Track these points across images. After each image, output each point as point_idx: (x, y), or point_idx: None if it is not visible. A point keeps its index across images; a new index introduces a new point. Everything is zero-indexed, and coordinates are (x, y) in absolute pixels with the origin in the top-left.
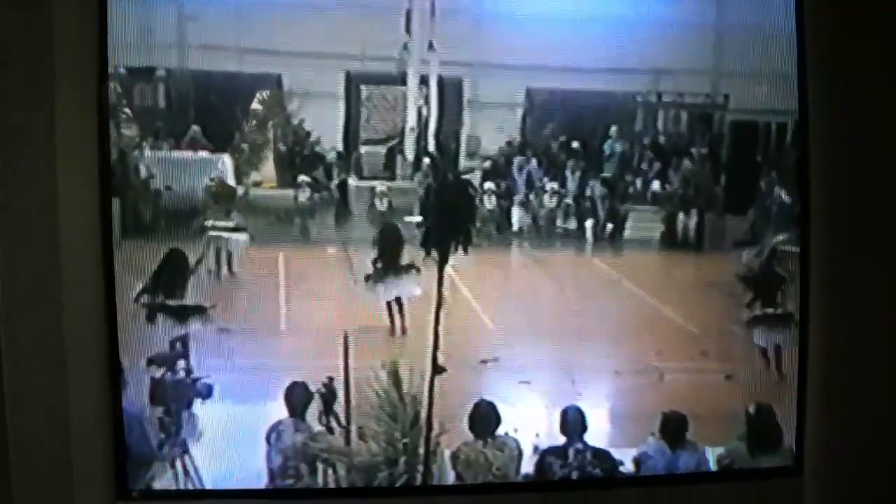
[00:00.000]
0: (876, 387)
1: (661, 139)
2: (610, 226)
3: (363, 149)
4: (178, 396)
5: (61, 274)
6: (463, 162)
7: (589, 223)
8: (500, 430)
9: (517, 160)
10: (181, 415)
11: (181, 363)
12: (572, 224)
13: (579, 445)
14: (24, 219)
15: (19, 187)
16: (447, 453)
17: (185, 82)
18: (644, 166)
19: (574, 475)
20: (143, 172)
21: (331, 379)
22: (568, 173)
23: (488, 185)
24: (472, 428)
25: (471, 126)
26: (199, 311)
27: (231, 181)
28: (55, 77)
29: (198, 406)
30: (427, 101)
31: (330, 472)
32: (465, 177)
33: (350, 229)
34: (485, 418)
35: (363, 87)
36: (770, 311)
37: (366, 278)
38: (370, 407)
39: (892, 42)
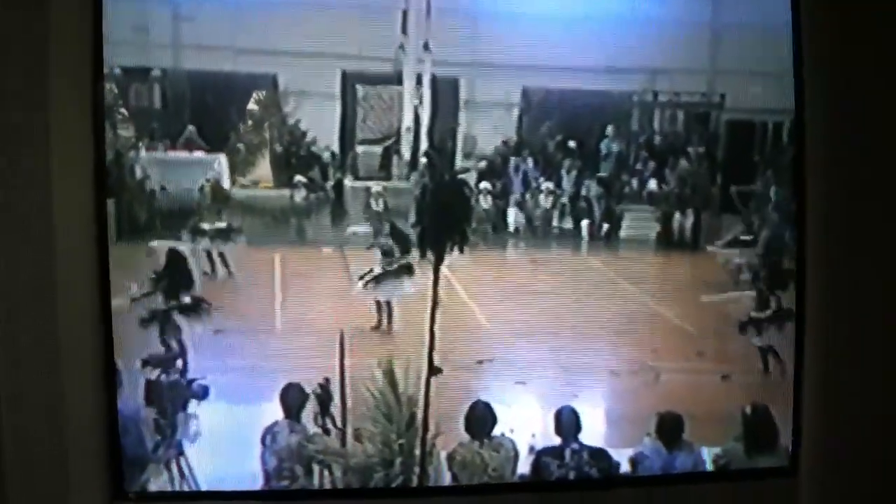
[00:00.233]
0: (872, 387)
1: (658, 139)
2: (606, 225)
3: (359, 149)
4: (173, 398)
5: (57, 275)
6: (459, 162)
7: (585, 223)
8: (497, 431)
9: (513, 160)
10: (177, 416)
11: (177, 364)
12: (568, 224)
13: (576, 445)
14: (21, 220)
15: (15, 188)
16: (443, 454)
17: (180, 82)
18: (640, 166)
19: (571, 475)
20: (138, 173)
21: (327, 380)
22: (563, 173)
23: (484, 184)
24: (468, 429)
25: (467, 126)
26: (194, 311)
27: (227, 182)
28: (51, 77)
29: (193, 407)
30: (423, 101)
31: (326, 473)
32: (461, 177)
33: (346, 229)
34: (481, 419)
35: (359, 87)
36: (766, 311)
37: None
38: (366, 408)
39: (888, 41)
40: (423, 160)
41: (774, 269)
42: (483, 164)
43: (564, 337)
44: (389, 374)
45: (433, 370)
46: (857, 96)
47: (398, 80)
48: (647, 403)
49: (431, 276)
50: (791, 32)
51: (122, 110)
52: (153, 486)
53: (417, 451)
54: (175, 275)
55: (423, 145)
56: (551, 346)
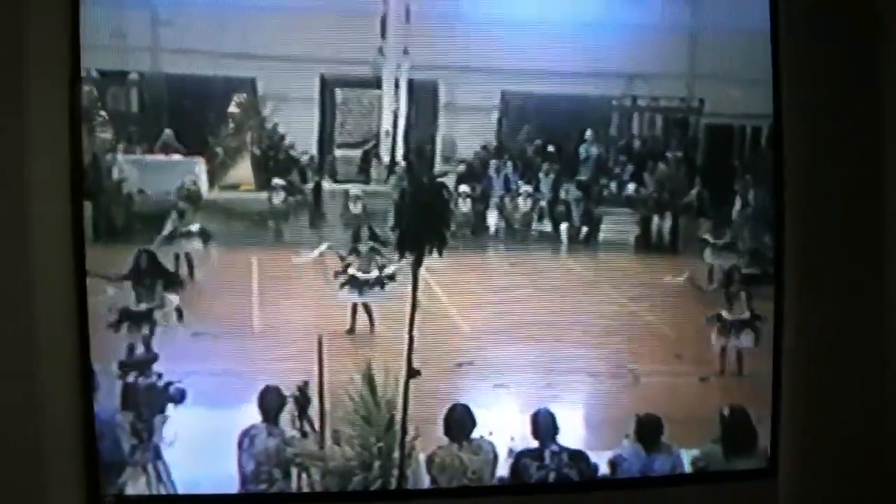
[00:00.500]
0: (850, 388)
1: (636, 143)
2: (585, 229)
3: (338, 152)
4: (150, 401)
5: (34, 277)
6: (438, 165)
7: (564, 226)
8: (476, 434)
9: (493, 163)
10: (154, 420)
11: (153, 368)
12: (547, 227)
13: (555, 448)
14: None
15: None
16: (422, 457)
17: (158, 86)
18: (619, 169)
19: (551, 477)
20: (116, 176)
21: (305, 383)
22: (542, 176)
23: (463, 188)
24: (447, 431)
25: (446, 129)
26: (170, 314)
27: (204, 185)
28: (29, 80)
29: (171, 411)
30: (402, 105)
31: (304, 476)
32: (440, 180)
33: (324, 232)
34: (460, 422)
35: (338, 91)
36: (743, 313)
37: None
38: (345, 411)
39: (864, 47)
40: (403, 163)
41: (752, 272)
42: (462, 167)
43: (544, 340)
44: (368, 377)
45: (412, 373)
46: (835, 100)
47: (377, 84)
48: (626, 406)
49: (410, 280)
50: (770, 37)
51: (102, 113)
52: (130, 490)
53: (396, 454)
54: (150, 277)
55: (402, 149)
56: (531, 349)
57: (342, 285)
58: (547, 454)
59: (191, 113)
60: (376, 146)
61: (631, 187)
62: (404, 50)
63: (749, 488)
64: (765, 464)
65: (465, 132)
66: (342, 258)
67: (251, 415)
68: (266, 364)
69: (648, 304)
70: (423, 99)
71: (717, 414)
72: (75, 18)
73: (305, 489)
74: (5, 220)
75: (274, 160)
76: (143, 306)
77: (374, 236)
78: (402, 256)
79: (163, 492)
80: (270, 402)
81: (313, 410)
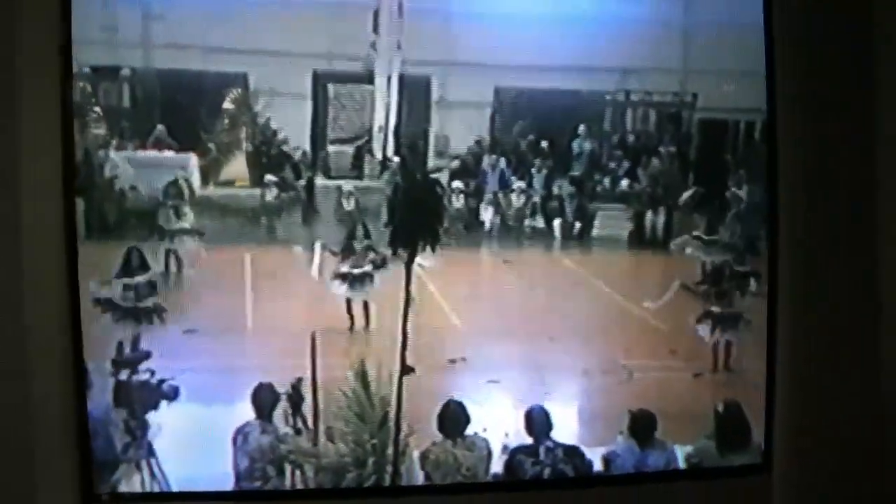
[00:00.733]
0: (843, 383)
1: (630, 138)
2: (578, 224)
3: (330, 148)
4: (143, 399)
5: (25, 274)
6: (431, 161)
7: (557, 222)
8: (470, 430)
9: (486, 159)
10: (147, 417)
11: (146, 365)
12: (540, 223)
13: (549, 444)
14: None
15: None
16: (416, 454)
17: (150, 82)
18: (613, 165)
19: (546, 473)
20: (107, 172)
21: (298, 380)
22: (535, 171)
23: (456, 184)
24: (441, 428)
25: (439, 125)
26: (163, 311)
27: (197, 181)
28: (21, 77)
29: (164, 408)
30: (395, 100)
31: (298, 473)
32: (433, 176)
33: (317, 229)
34: (454, 418)
35: (330, 86)
36: (735, 309)
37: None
38: (338, 408)
39: (859, 40)
40: (395, 159)
41: (745, 268)
42: (455, 163)
43: (537, 336)
44: (362, 374)
45: (406, 370)
46: (829, 95)
47: (370, 79)
48: (620, 402)
49: (404, 276)
50: (763, 32)
51: (94, 109)
52: (124, 488)
53: (390, 451)
54: (141, 273)
55: (395, 145)
56: (524, 345)
57: (337, 281)
58: (542, 450)
59: (183, 109)
60: (369, 142)
61: (624, 183)
62: (397, 45)
63: (743, 484)
64: (759, 459)
65: (458, 128)
66: (335, 254)
67: (245, 412)
68: (259, 361)
69: (642, 300)
70: (415, 94)
71: (710, 409)
72: (66, 14)
73: (299, 486)
74: None
75: (266, 156)
76: (133, 304)
77: (367, 234)
78: (395, 253)
79: (157, 489)
80: (264, 399)
81: (307, 407)
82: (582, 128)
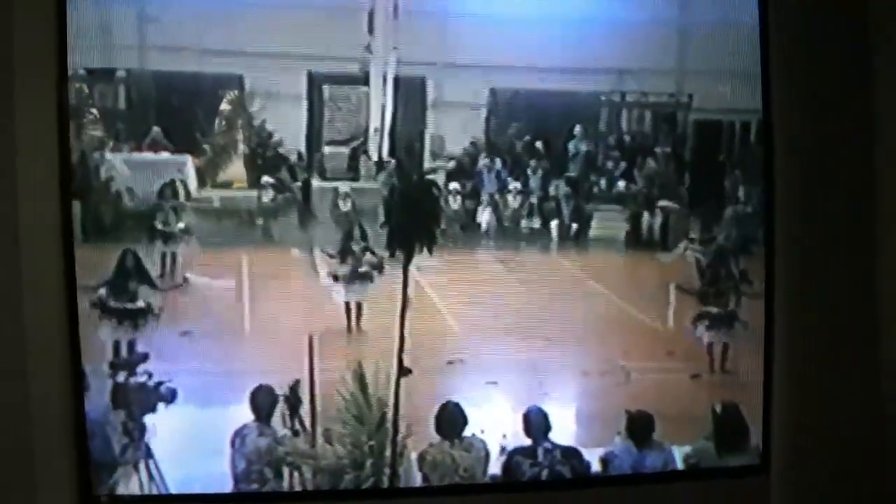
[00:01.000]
0: (842, 384)
1: (626, 139)
2: (575, 225)
3: (326, 149)
4: (141, 401)
5: (23, 277)
6: (427, 162)
7: (554, 223)
8: (467, 432)
9: (482, 160)
10: (145, 419)
11: (144, 367)
12: (537, 224)
13: (548, 445)
14: None
15: None
16: (414, 455)
17: (145, 83)
18: (609, 165)
19: (544, 474)
20: (103, 174)
21: (296, 382)
22: (531, 173)
23: (453, 185)
24: (438, 429)
25: (435, 126)
26: (160, 313)
27: (193, 183)
28: (15, 79)
29: (162, 410)
30: (390, 102)
31: (296, 475)
32: (429, 177)
33: (314, 231)
34: (451, 419)
35: (326, 88)
36: (733, 309)
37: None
38: (336, 410)
39: (855, 40)
40: (391, 161)
41: (742, 268)
42: (451, 164)
43: (535, 337)
44: (359, 376)
45: (403, 371)
46: (825, 95)
47: (365, 80)
48: (618, 403)
49: (401, 278)
50: (759, 32)
51: (90, 111)
52: (122, 489)
53: (388, 453)
54: (136, 277)
55: (391, 146)
56: (521, 347)
57: (334, 283)
58: (540, 451)
59: (179, 110)
60: (365, 143)
61: (620, 184)
62: (392, 46)
63: (741, 485)
64: (757, 460)
65: (454, 129)
66: (333, 257)
67: (242, 414)
68: (257, 363)
69: (639, 301)
70: (411, 95)
71: (708, 410)
72: (62, 16)
73: (297, 488)
74: None
75: (262, 158)
76: (129, 306)
77: (364, 235)
78: (392, 254)
79: (155, 491)
80: (263, 401)
81: (304, 409)
82: (578, 129)
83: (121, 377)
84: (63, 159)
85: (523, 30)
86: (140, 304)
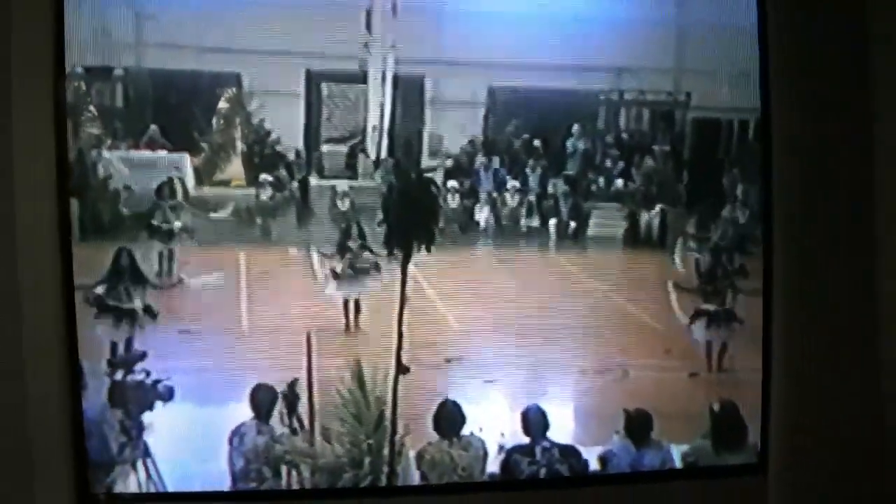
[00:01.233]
0: (839, 384)
1: (624, 137)
2: (573, 224)
3: (324, 147)
4: (139, 399)
5: (20, 276)
6: (425, 160)
7: (552, 221)
8: (466, 430)
9: (480, 158)
10: (142, 418)
11: (141, 365)
12: (535, 222)
13: (546, 443)
14: None
15: None
16: (412, 453)
17: (143, 81)
18: (608, 163)
19: (542, 473)
20: (101, 173)
21: (295, 380)
22: (529, 171)
23: (451, 183)
24: (436, 428)
25: (433, 124)
26: (158, 312)
27: (191, 181)
28: (12, 77)
29: (159, 408)
30: (388, 100)
31: (294, 473)
32: (427, 175)
33: (312, 229)
34: (450, 418)
35: (324, 86)
36: (730, 308)
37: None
38: (334, 408)
39: (853, 38)
40: (390, 159)
41: (740, 266)
42: (449, 162)
43: (533, 335)
44: (357, 374)
45: (401, 369)
46: (824, 93)
47: (363, 78)
48: (616, 401)
49: (399, 276)
50: (757, 31)
51: (91, 109)
52: (120, 488)
53: (386, 451)
54: (131, 275)
55: (389, 144)
56: (519, 345)
57: (333, 281)
58: (538, 450)
59: (176, 108)
60: (363, 141)
61: (619, 182)
62: (390, 44)
63: (739, 484)
64: (755, 459)
65: (452, 127)
66: (330, 256)
67: (240, 412)
68: (254, 361)
69: (638, 299)
70: (409, 93)
71: (706, 409)
72: (59, 14)
73: (296, 486)
74: None
75: (260, 156)
76: (125, 305)
77: (362, 234)
78: (390, 252)
79: (152, 490)
80: (262, 399)
81: (303, 407)
82: (576, 127)
83: (118, 375)
84: (60, 158)
85: (521, 28)
86: (137, 302)
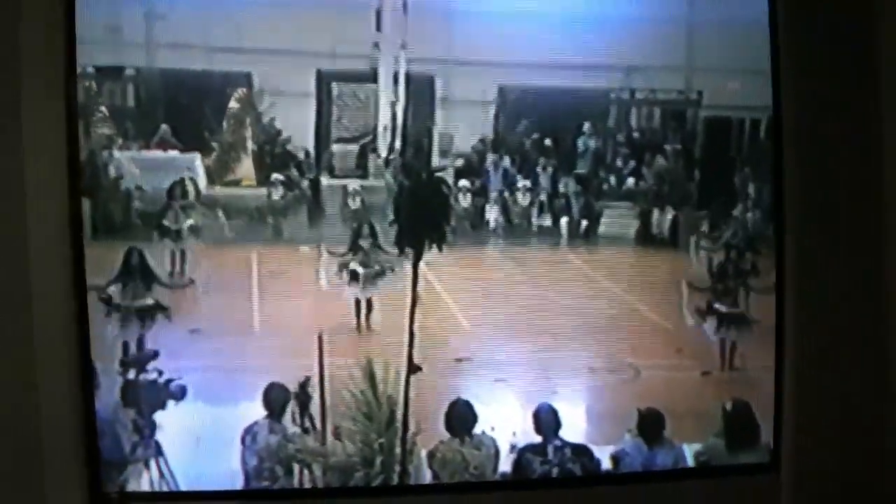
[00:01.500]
0: (851, 383)
1: (635, 136)
2: (584, 222)
3: (335, 147)
4: (151, 398)
5: (32, 276)
6: (436, 160)
7: (564, 220)
8: (477, 429)
9: (490, 157)
10: (154, 417)
11: (154, 365)
12: (547, 221)
13: (558, 442)
14: None
15: None
16: (424, 453)
17: (154, 81)
18: (619, 162)
19: (554, 472)
20: (112, 173)
21: (306, 379)
22: (540, 170)
23: (462, 182)
24: (448, 427)
25: (443, 124)
26: (170, 311)
27: (202, 181)
28: (24, 78)
29: (171, 408)
30: (399, 99)
31: (306, 472)
32: (438, 175)
33: (323, 228)
34: (461, 417)
35: (334, 85)
36: (742, 307)
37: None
38: (346, 407)
39: (864, 36)
40: (400, 158)
41: (752, 265)
42: (460, 161)
43: (544, 334)
44: (369, 373)
45: (413, 369)
46: (835, 91)
47: (374, 78)
48: (628, 401)
49: (410, 275)
50: (768, 29)
51: (101, 109)
52: (132, 487)
53: (398, 450)
54: (144, 274)
55: (400, 143)
56: (531, 344)
57: (344, 280)
58: (550, 449)
59: (187, 108)
60: (373, 140)
61: (630, 181)
62: (401, 43)
63: (752, 482)
64: (767, 458)
65: (463, 126)
66: (342, 255)
67: (252, 411)
68: (266, 360)
69: (649, 298)
70: (419, 93)
71: (719, 408)
72: (70, 14)
73: (307, 485)
74: (3, 218)
75: (271, 155)
76: (136, 304)
77: (374, 233)
78: (401, 252)
79: (165, 488)
80: (276, 398)
81: (314, 407)
82: (587, 126)
83: (131, 375)
84: (72, 158)
85: (532, 27)
86: (149, 301)
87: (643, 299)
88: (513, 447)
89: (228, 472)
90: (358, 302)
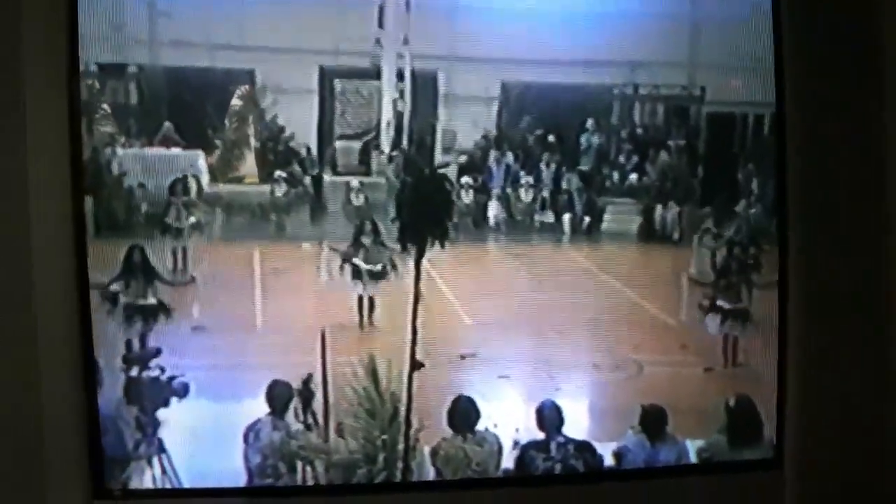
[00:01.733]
0: (855, 379)
1: (638, 132)
2: (587, 219)
3: (338, 144)
4: (154, 395)
5: (35, 274)
6: (438, 156)
7: (566, 216)
8: (480, 426)
9: (493, 154)
10: (157, 414)
11: (156, 362)
12: (549, 218)
13: (561, 439)
14: None
15: None
16: (426, 449)
17: (157, 79)
18: (621, 159)
19: (557, 468)
20: (115, 170)
21: (309, 376)
22: (543, 166)
23: (465, 179)
24: (451, 423)
25: (446, 120)
26: (172, 308)
27: (205, 178)
28: (26, 75)
29: (174, 405)
30: (402, 96)
31: (309, 469)
32: (441, 171)
33: (326, 225)
34: (464, 413)
35: (337, 82)
36: (745, 303)
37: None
38: (349, 404)
39: (868, 32)
40: (403, 155)
41: (755, 261)
42: (463, 158)
43: (547, 331)
44: (372, 370)
45: (415, 365)
46: (836, 88)
47: (376, 74)
48: (630, 397)
49: (413, 271)
50: (771, 24)
51: (104, 106)
52: (135, 484)
53: (401, 447)
54: (146, 272)
55: (403, 140)
56: (534, 340)
57: (347, 277)
58: (553, 445)
59: (190, 106)
60: (376, 137)
61: (633, 177)
62: (403, 40)
63: (755, 479)
64: (771, 454)
65: (465, 123)
66: (344, 251)
67: (255, 408)
68: (269, 357)
69: (652, 294)
70: (422, 89)
71: (722, 404)
72: (73, 11)
73: (310, 482)
74: (6, 216)
75: (274, 152)
76: (139, 301)
77: (376, 229)
78: (404, 248)
79: (168, 485)
80: (279, 395)
81: (317, 404)
82: (590, 122)
83: (133, 372)
84: (74, 155)
85: (535, 23)
86: (152, 299)
87: (646, 295)
88: (516, 444)
89: (231, 470)
90: (360, 299)
